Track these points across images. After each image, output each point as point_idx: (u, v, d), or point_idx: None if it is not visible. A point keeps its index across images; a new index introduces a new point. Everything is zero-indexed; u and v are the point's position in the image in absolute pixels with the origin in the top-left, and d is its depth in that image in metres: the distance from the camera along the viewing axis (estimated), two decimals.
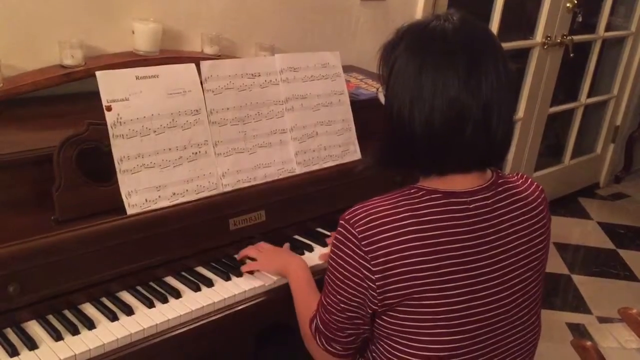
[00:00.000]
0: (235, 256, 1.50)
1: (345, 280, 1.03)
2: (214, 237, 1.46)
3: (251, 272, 1.43)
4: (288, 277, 1.36)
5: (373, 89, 1.91)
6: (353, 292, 1.03)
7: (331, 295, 1.07)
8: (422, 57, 0.99)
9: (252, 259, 1.46)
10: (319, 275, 1.32)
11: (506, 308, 1.04)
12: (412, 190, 1.04)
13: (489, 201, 1.04)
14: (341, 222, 1.04)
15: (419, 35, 1.02)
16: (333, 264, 1.06)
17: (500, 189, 1.06)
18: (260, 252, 1.46)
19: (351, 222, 1.02)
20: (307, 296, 1.28)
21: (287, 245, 1.53)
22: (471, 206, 1.02)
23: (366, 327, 1.08)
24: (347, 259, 1.02)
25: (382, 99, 1.08)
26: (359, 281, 1.01)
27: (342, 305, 1.06)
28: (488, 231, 1.02)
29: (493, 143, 1.01)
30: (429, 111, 0.98)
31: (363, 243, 0.99)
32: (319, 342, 1.14)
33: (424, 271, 0.98)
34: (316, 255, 1.52)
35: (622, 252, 3.27)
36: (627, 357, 2.46)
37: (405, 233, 0.99)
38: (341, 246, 1.03)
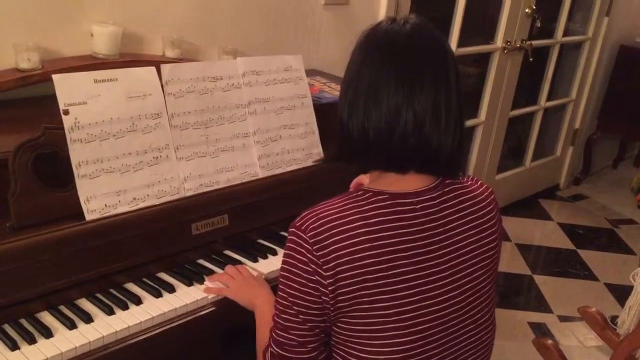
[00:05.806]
0: (201, 262, 1.48)
1: (302, 288, 1.01)
2: (176, 243, 1.44)
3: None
4: (254, 310, 1.29)
5: (337, 92, 1.91)
6: (311, 298, 1.00)
7: (287, 309, 1.03)
8: (362, 59, 1.03)
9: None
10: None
11: (457, 307, 1.05)
12: (359, 193, 1.04)
13: (435, 201, 1.05)
14: (292, 229, 1.03)
15: (367, 39, 1.05)
16: (286, 274, 1.03)
17: (447, 189, 1.07)
18: (233, 279, 1.39)
19: (302, 228, 1.01)
20: (267, 333, 1.18)
21: (261, 275, 1.46)
22: (418, 206, 1.03)
23: (325, 340, 1.05)
24: (301, 265, 1.00)
25: None
26: (315, 285, 0.99)
27: (302, 317, 1.02)
28: (436, 230, 1.03)
29: (431, 149, 1.01)
30: (364, 115, 1.01)
31: (315, 248, 0.99)
32: None
33: (374, 273, 0.98)
34: (280, 260, 1.51)
35: (582, 252, 3.35)
36: (586, 354, 2.51)
37: (354, 236, 0.99)
38: (293, 254, 1.02)
